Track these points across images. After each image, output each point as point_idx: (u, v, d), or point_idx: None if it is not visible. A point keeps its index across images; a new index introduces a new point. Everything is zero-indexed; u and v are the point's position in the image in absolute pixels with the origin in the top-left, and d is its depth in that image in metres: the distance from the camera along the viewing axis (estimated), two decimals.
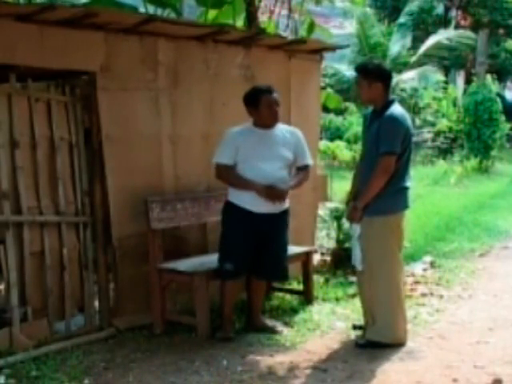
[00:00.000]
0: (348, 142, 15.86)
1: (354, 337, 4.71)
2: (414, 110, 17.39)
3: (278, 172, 4.58)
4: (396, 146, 4.35)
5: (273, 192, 4.51)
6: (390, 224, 4.47)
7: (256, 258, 4.64)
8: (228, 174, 4.65)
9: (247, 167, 4.56)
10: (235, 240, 4.61)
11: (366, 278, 4.52)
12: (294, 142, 4.71)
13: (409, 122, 4.52)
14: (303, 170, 4.80)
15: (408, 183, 4.53)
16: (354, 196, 4.63)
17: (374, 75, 4.47)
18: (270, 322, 4.93)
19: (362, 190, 4.48)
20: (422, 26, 21.88)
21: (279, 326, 4.88)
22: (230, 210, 4.67)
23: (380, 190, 4.37)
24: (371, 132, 4.48)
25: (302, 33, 9.35)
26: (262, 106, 4.58)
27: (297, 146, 4.72)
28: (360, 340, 4.58)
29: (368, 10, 18.90)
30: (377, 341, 4.46)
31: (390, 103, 4.48)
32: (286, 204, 4.74)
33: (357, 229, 4.50)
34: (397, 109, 4.47)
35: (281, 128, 4.73)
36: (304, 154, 4.77)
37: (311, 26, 8.88)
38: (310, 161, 4.82)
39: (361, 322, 4.73)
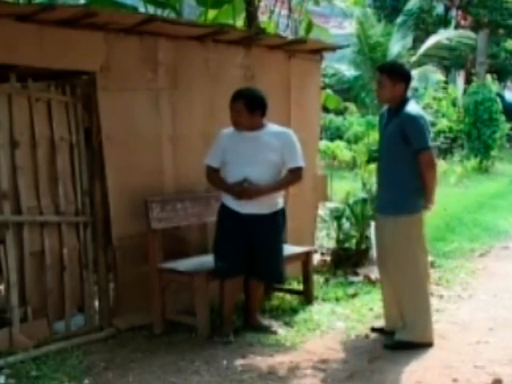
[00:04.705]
0: (348, 142, 15.83)
1: (354, 337, 4.72)
2: None
3: (260, 175, 4.54)
4: (427, 141, 4.42)
5: (238, 190, 4.53)
6: (415, 223, 4.50)
7: (251, 259, 4.64)
8: (212, 176, 4.76)
9: (231, 170, 4.61)
10: (225, 239, 4.65)
11: (394, 278, 4.51)
12: (281, 145, 4.59)
13: (427, 118, 4.57)
14: (293, 172, 4.66)
15: None
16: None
17: (399, 75, 4.51)
18: (265, 322, 4.93)
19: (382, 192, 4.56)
20: (422, 25, 21.87)
21: (274, 326, 4.88)
22: (222, 210, 4.73)
23: (404, 189, 4.43)
24: (389, 130, 4.52)
25: (302, 33, 9.35)
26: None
27: (283, 148, 4.59)
28: (387, 341, 4.53)
29: (368, 10, 18.86)
30: (407, 341, 4.44)
31: (405, 101, 4.51)
32: (279, 205, 4.71)
33: None
34: (414, 107, 4.53)
35: (268, 130, 4.64)
36: (292, 156, 4.62)
37: (309, 26, 8.90)
38: (299, 163, 4.64)
39: (363, 323, 4.72)
